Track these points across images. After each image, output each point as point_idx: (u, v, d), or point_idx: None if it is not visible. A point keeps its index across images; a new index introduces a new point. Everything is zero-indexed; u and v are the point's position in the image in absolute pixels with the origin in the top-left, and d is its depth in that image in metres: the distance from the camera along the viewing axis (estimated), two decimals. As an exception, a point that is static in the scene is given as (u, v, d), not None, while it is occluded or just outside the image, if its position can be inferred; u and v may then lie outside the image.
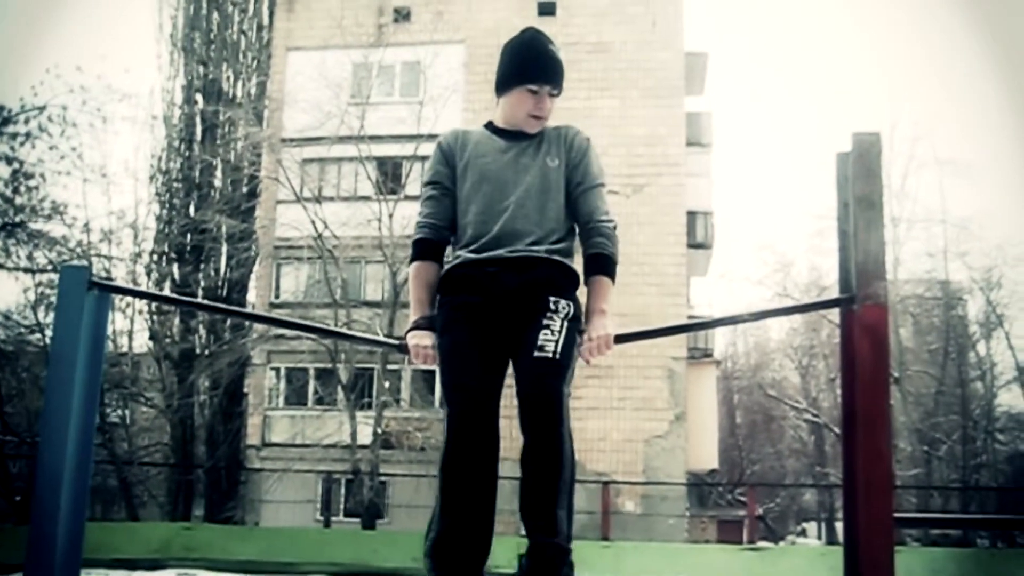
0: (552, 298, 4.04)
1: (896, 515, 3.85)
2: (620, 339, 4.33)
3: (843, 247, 4.27)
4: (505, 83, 4.48)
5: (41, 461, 4.04)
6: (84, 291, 4.10)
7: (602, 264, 4.27)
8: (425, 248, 4.37)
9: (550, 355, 3.93)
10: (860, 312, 4.04)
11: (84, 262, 29.86)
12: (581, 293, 4.25)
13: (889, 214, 36.18)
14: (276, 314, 30.70)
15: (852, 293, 4.10)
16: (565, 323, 4.01)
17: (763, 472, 55.12)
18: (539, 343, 3.94)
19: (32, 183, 31.73)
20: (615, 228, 4.43)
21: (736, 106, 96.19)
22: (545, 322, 3.98)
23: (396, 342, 4.21)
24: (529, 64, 4.47)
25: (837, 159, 4.35)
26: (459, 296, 4.16)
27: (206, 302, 31.10)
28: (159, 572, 19.80)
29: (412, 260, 4.45)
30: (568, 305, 4.06)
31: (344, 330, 5.22)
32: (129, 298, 32.44)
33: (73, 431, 3.98)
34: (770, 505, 53.32)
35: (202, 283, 35.85)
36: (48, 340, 32.98)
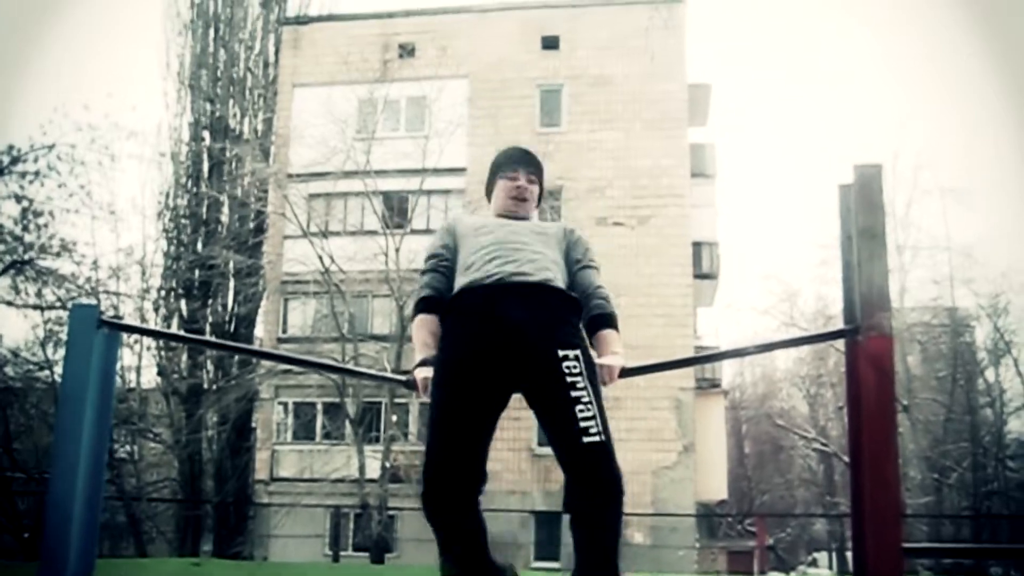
0: (563, 352, 4.11)
1: (905, 545, 3.87)
2: (627, 373, 4.39)
3: (847, 278, 4.30)
4: (489, 183, 4.80)
5: (51, 498, 4.07)
6: (94, 329, 4.15)
7: (607, 319, 4.58)
8: (429, 303, 4.49)
9: (598, 439, 4.08)
10: (865, 343, 4.07)
11: (93, 300, 29.94)
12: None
13: (894, 242, 36.18)
14: (283, 349, 30.80)
15: (857, 324, 4.14)
16: (588, 382, 4.11)
17: (773, 502, 54.98)
18: (581, 424, 4.04)
19: (41, 221, 31.83)
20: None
21: (740, 136, 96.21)
22: (574, 393, 4.08)
23: (403, 378, 4.24)
24: (504, 159, 4.71)
25: (839, 191, 4.38)
26: (465, 319, 4.20)
27: (214, 340, 31.21)
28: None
29: (415, 314, 4.56)
30: (579, 355, 4.13)
31: (351, 366, 5.23)
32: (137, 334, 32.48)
33: (83, 468, 4.01)
34: (780, 535, 53.13)
35: (210, 318, 35.91)
36: (57, 377, 33.01)
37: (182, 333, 32.25)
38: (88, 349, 4.13)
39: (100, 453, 4.12)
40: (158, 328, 31.33)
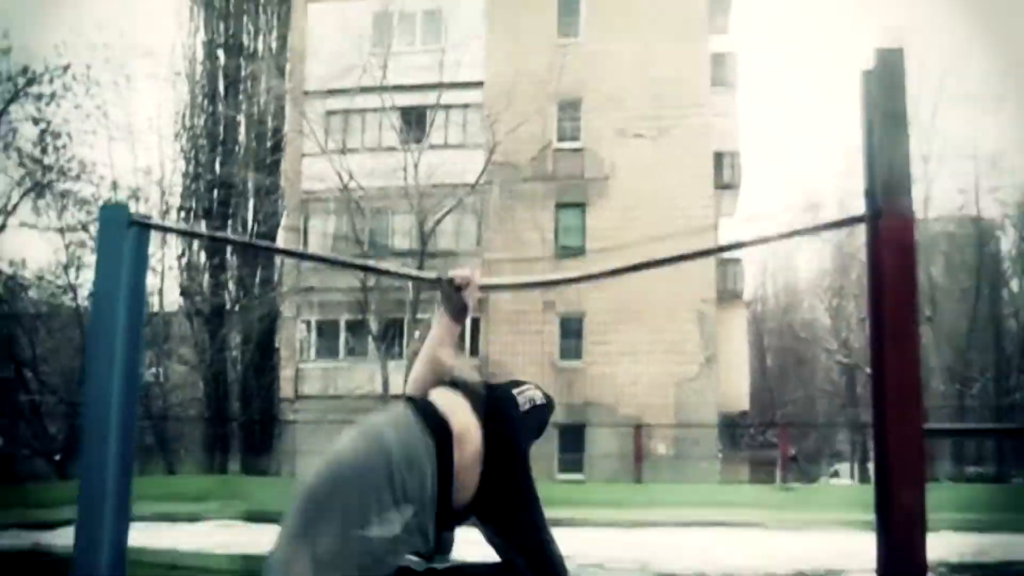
0: None
1: (927, 426, 3.85)
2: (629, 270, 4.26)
3: (868, 164, 4.25)
4: None
5: (87, 399, 4.06)
6: (124, 229, 4.11)
7: None
8: None
9: None
10: (886, 226, 4.02)
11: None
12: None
13: (918, 151, 35.86)
14: (305, 268, 30.82)
15: (878, 208, 4.09)
16: None
17: (794, 414, 55.07)
18: None
19: (59, 143, 31.91)
20: None
21: (762, 43, 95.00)
22: None
23: (433, 275, 4.11)
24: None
25: (862, 77, 4.32)
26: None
27: (243, 239, 31.06)
28: (198, 524, 20.01)
29: None
30: None
31: (383, 265, 5.13)
32: (159, 256, 32.55)
33: (118, 370, 3.99)
34: (802, 446, 53.31)
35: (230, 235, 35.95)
36: (81, 300, 33.26)
37: (213, 233, 32.45)
38: (119, 249, 4.09)
39: (134, 355, 4.10)
40: (186, 228, 31.42)
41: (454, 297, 3.63)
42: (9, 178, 31.82)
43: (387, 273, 4.65)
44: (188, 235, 35.61)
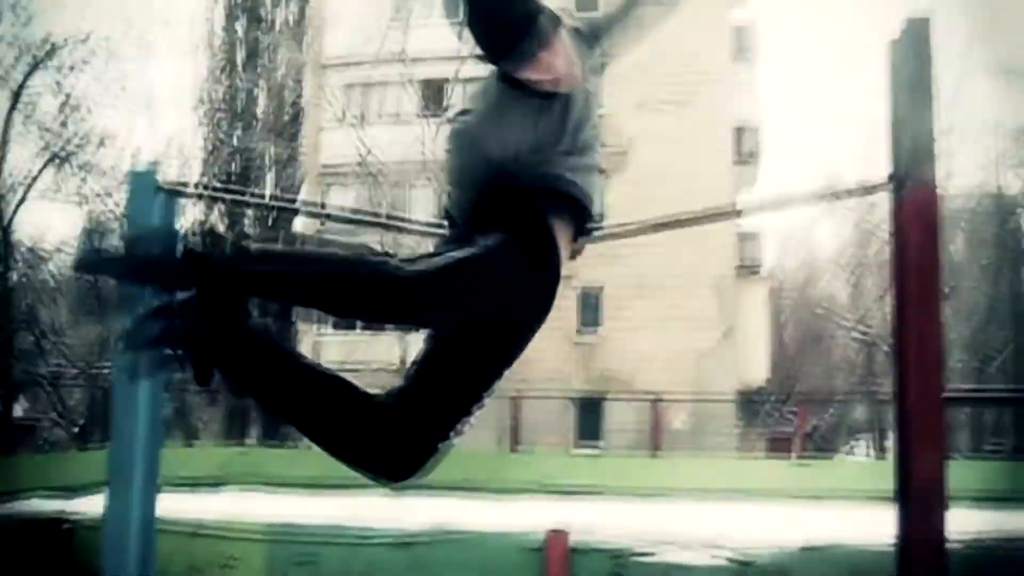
0: None
1: (947, 393, 3.87)
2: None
3: (893, 132, 4.26)
4: None
5: (117, 367, 4.12)
6: (153, 194, 4.16)
7: None
8: None
9: None
10: (910, 195, 4.05)
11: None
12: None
13: (940, 126, 35.68)
14: (324, 236, 30.86)
15: (902, 176, 4.10)
16: None
17: (812, 389, 54.97)
18: None
19: (79, 114, 32.00)
20: None
21: (783, 16, 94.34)
22: None
23: None
24: None
25: (888, 47, 4.33)
26: None
27: (271, 201, 31.02)
28: (219, 493, 20.12)
29: None
30: None
31: (407, 221, 5.16)
32: (178, 225, 32.59)
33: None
34: (820, 422, 53.23)
35: (249, 210, 36.02)
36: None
37: (237, 195, 32.58)
38: (148, 214, 4.16)
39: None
40: (213, 192, 31.51)
41: None
42: (30, 149, 31.98)
43: (411, 229, 4.59)
44: (215, 197, 35.51)
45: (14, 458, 19.90)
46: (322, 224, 32.70)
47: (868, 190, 4.85)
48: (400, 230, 4.97)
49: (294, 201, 33.89)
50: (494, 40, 3.36)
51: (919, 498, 3.81)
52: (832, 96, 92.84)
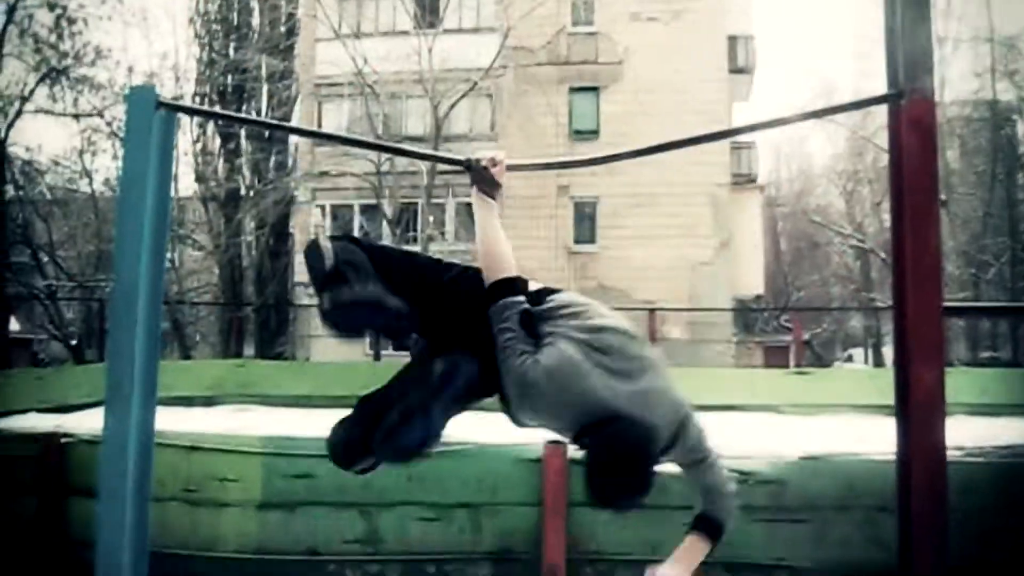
0: None
1: (945, 304, 3.87)
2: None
3: (889, 43, 4.23)
4: None
5: (116, 279, 4.11)
6: (152, 111, 4.14)
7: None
8: None
9: None
10: (908, 106, 4.02)
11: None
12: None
13: (935, 34, 35.44)
14: (319, 152, 30.79)
15: (899, 88, 4.07)
16: None
17: (809, 299, 55.14)
18: None
19: (75, 28, 31.87)
20: None
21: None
22: None
23: (463, 158, 4.11)
24: None
25: (884, -46, 4.28)
26: None
27: (270, 121, 30.95)
28: (215, 408, 20.21)
29: None
30: None
31: (409, 148, 5.11)
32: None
33: (145, 252, 4.05)
34: (816, 331, 53.42)
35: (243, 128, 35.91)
36: (97, 185, 33.44)
37: (238, 114, 32.50)
38: (147, 131, 4.13)
39: (161, 237, 4.15)
40: (211, 110, 31.57)
41: (486, 176, 3.87)
42: (25, 64, 31.91)
43: (415, 155, 4.61)
44: (215, 116, 35.57)
45: (10, 373, 19.90)
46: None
47: (865, 103, 4.82)
48: (394, 151, 4.95)
49: (289, 117, 33.79)
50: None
51: (919, 409, 3.82)
52: (825, 4, 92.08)
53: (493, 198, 3.94)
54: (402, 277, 3.79)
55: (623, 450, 3.44)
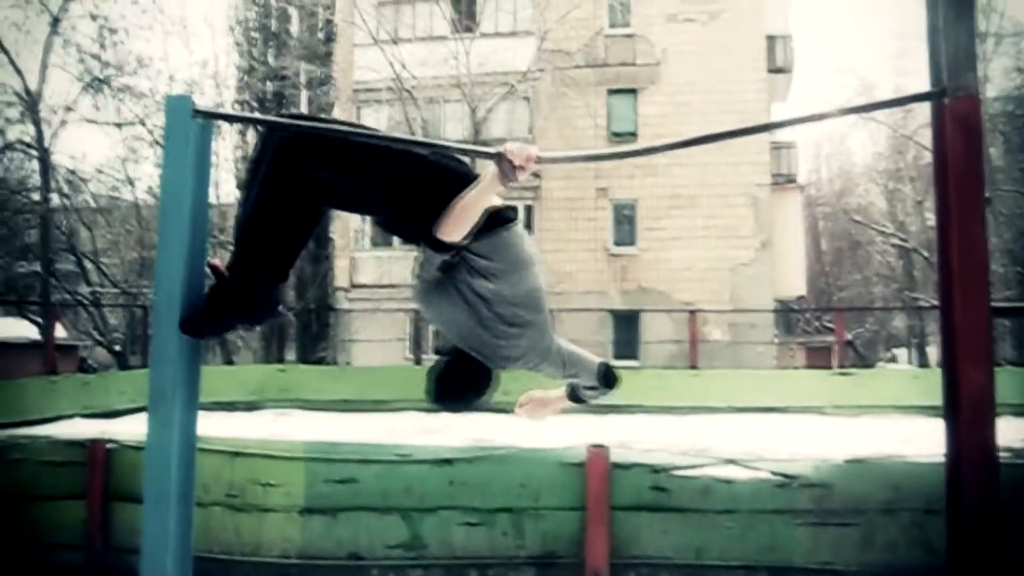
0: None
1: (993, 305, 3.83)
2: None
3: (932, 41, 4.18)
4: None
5: (157, 289, 4.13)
6: (189, 119, 4.16)
7: None
8: None
9: None
10: (951, 104, 3.97)
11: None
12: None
13: (976, 31, 35.15)
14: (359, 156, 30.90)
15: (943, 86, 4.03)
16: None
17: (851, 299, 54.84)
18: None
19: (116, 38, 32.26)
20: None
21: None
22: None
23: (492, 150, 4.11)
24: None
25: (926, -48, 4.24)
26: None
27: (310, 124, 31.06)
28: (256, 413, 20.31)
29: None
30: None
31: (442, 141, 5.13)
32: (215, 148, 32.74)
33: (185, 259, 4.07)
34: (859, 331, 53.17)
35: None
36: (140, 193, 33.76)
37: (277, 119, 32.65)
38: (184, 139, 4.15)
39: (201, 243, 4.18)
40: (249, 115, 31.77)
41: (506, 169, 3.82)
42: (69, 74, 32.34)
43: (446, 148, 4.66)
44: (251, 121, 35.69)
45: (56, 379, 20.07)
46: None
47: (908, 100, 4.77)
48: (426, 145, 4.93)
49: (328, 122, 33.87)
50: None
51: (968, 410, 3.78)
52: (863, 2, 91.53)
53: (505, 185, 3.91)
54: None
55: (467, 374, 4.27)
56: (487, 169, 3.84)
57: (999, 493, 3.72)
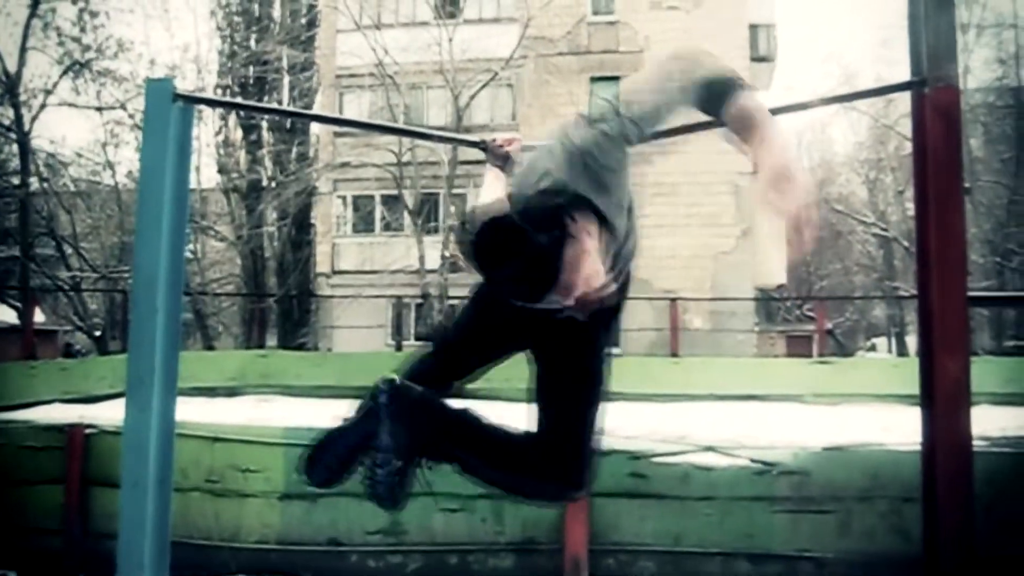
0: None
1: (970, 294, 3.85)
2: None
3: (913, 31, 4.20)
4: None
5: (136, 271, 4.12)
6: (169, 103, 4.15)
7: None
8: None
9: None
10: (932, 94, 3.99)
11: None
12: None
13: (957, 20, 35.18)
14: (340, 143, 30.80)
15: (923, 76, 4.04)
16: None
17: (831, 288, 54.92)
18: None
19: (97, 21, 32.11)
20: None
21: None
22: None
23: (477, 139, 4.13)
24: None
25: (906, -58, 4.25)
26: None
27: (290, 109, 31.05)
28: (237, 399, 20.26)
29: None
30: None
31: (426, 130, 5.16)
32: (196, 132, 32.70)
33: (165, 243, 4.06)
34: (839, 320, 53.30)
35: (266, 115, 35.96)
36: (120, 177, 33.62)
37: (255, 103, 32.59)
38: (165, 123, 4.15)
39: (180, 228, 4.17)
40: (229, 100, 31.78)
41: (497, 152, 3.98)
42: (48, 57, 32.22)
43: (429, 137, 4.63)
44: (232, 106, 35.79)
45: (36, 364, 20.03)
46: (339, 128, 32.72)
47: (888, 90, 4.79)
48: (415, 135, 4.96)
49: (310, 108, 33.81)
50: None
51: (944, 399, 3.80)
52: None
53: (503, 169, 4.01)
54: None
55: None
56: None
57: (972, 481, 3.75)
